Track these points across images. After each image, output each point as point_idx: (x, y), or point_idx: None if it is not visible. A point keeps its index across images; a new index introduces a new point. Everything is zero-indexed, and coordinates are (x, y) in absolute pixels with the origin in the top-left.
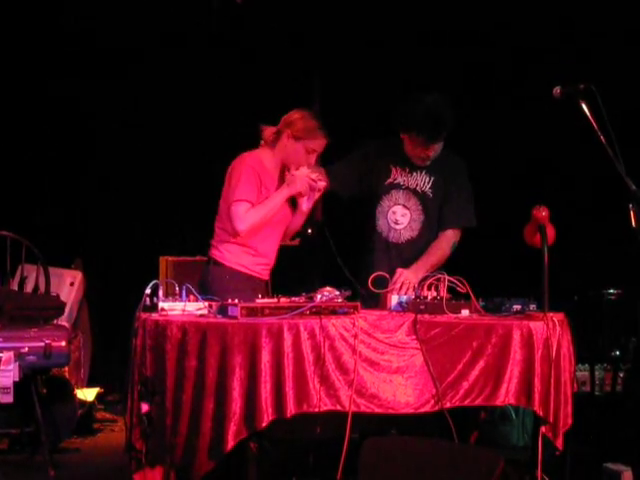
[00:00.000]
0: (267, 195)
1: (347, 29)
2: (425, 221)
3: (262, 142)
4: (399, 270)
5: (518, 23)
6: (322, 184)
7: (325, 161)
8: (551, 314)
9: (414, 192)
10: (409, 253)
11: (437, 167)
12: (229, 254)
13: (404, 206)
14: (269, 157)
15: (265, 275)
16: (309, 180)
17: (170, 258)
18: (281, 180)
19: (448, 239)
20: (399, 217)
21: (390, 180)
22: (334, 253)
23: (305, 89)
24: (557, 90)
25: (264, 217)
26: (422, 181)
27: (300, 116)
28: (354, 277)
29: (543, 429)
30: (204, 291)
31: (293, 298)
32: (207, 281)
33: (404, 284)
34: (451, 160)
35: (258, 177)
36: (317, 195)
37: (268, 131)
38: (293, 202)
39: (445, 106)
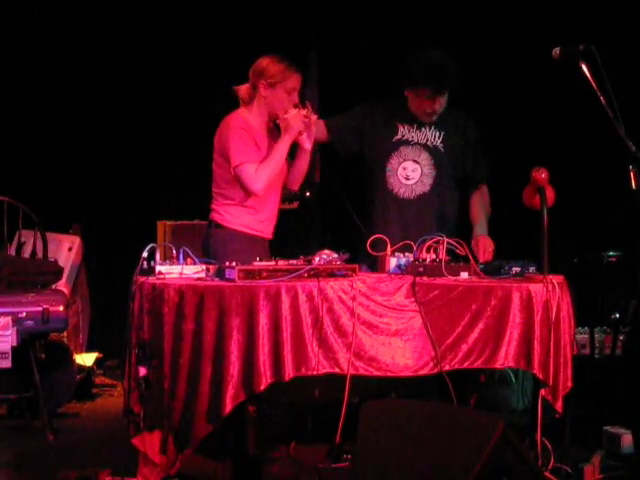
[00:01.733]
0: (261, 152)
1: None
2: (437, 175)
3: (241, 102)
4: (483, 241)
5: None
6: (314, 117)
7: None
8: (550, 276)
9: (425, 147)
10: (421, 208)
11: (445, 122)
12: (230, 216)
13: (414, 161)
14: (252, 114)
15: (268, 233)
16: (302, 117)
17: (168, 222)
18: (269, 133)
19: (486, 192)
20: (410, 172)
21: (398, 137)
22: (344, 201)
23: (302, 56)
24: (556, 51)
25: (274, 170)
26: (432, 136)
27: (268, 62)
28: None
29: (543, 392)
30: (207, 255)
31: (291, 261)
32: (209, 244)
33: (487, 250)
34: (457, 115)
35: (249, 135)
36: (314, 129)
37: (243, 89)
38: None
39: (447, 58)
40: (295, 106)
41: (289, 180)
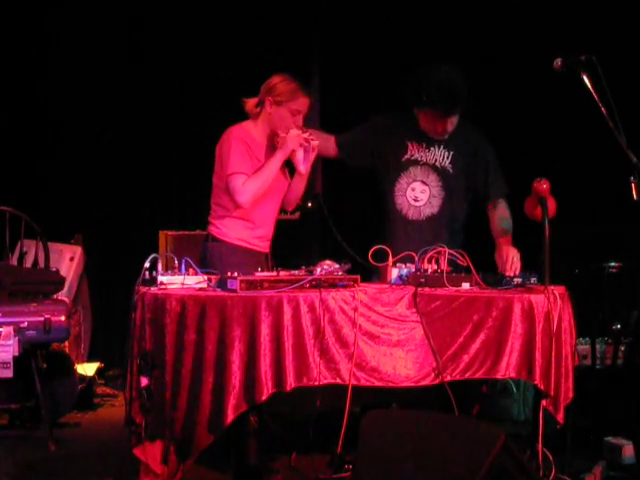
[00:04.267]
0: (259, 166)
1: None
2: (445, 197)
3: (249, 115)
4: (507, 251)
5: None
6: (315, 142)
7: (327, 129)
8: (552, 287)
9: (433, 168)
10: (429, 230)
11: (455, 141)
12: (227, 229)
13: (423, 182)
14: (256, 128)
15: (265, 248)
16: (301, 138)
17: (169, 232)
18: (271, 149)
19: (503, 206)
20: (418, 194)
21: (407, 156)
22: (331, 228)
23: (305, 58)
24: (558, 62)
25: (263, 185)
26: (441, 156)
27: (279, 80)
28: (358, 254)
29: (544, 403)
30: (205, 268)
31: (293, 271)
32: (207, 258)
33: (514, 263)
34: (466, 129)
35: (248, 148)
36: (312, 155)
37: (250, 103)
38: (291, 172)
39: (458, 77)
40: (298, 128)
41: (284, 200)
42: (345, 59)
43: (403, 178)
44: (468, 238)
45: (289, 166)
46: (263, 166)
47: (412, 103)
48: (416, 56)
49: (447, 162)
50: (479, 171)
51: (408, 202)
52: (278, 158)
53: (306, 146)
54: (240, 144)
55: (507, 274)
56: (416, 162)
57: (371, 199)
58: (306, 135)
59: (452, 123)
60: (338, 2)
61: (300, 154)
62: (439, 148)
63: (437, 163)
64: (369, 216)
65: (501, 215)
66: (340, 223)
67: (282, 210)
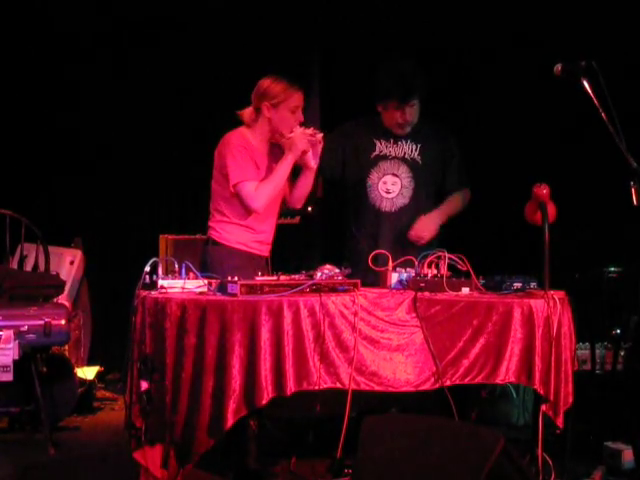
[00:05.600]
0: (260, 172)
1: (347, 4)
2: (416, 188)
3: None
4: (421, 218)
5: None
6: (319, 135)
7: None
8: (552, 292)
9: (403, 160)
10: (402, 220)
11: (420, 134)
12: (227, 233)
13: (393, 174)
14: (253, 134)
15: (265, 252)
16: (307, 136)
17: (170, 236)
18: (271, 154)
19: (457, 196)
20: (390, 186)
21: (376, 153)
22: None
23: (305, 67)
24: (558, 67)
25: (275, 188)
26: (409, 149)
27: (269, 83)
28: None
29: (544, 407)
30: (205, 272)
31: (293, 276)
32: (207, 262)
33: (422, 230)
34: (435, 128)
35: (248, 153)
36: (319, 147)
37: (246, 113)
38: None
39: (412, 66)
40: (300, 124)
41: (292, 198)
42: (345, 61)
43: (373, 173)
44: (468, 242)
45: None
46: (275, 170)
47: (375, 99)
48: (416, 57)
49: (416, 154)
50: (445, 161)
51: (381, 195)
52: (289, 161)
53: (313, 141)
54: (239, 150)
55: (411, 235)
56: (385, 157)
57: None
58: (310, 131)
59: (410, 113)
60: (338, 4)
61: (310, 151)
62: (407, 142)
63: (406, 155)
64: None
65: (455, 197)
66: (339, 228)
67: (282, 214)
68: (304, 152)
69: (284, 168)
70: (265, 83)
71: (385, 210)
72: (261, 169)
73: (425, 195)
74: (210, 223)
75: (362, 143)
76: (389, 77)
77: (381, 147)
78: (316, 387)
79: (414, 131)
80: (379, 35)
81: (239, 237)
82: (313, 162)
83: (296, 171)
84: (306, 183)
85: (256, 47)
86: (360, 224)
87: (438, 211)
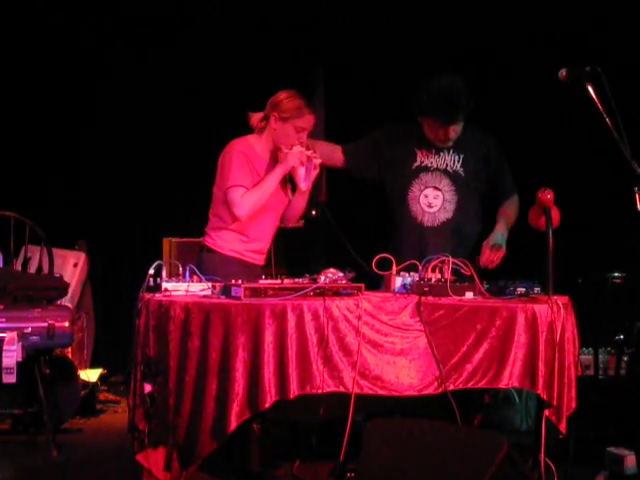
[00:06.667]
0: (258, 180)
1: (352, 13)
2: (459, 201)
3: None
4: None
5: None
6: (317, 161)
7: (332, 140)
8: (555, 297)
9: (445, 172)
10: (444, 235)
11: (463, 144)
12: (221, 241)
13: (435, 188)
14: (259, 142)
15: (260, 260)
16: (303, 156)
17: (174, 239)
18: (273, 164)
19: (512, 206)
20: (432, 200)
21: (417, 164)
22: (339, 236)
23: (309, 74)
24: (563, 72)
25: (260, 199)
26: (451, 160)
27: (285, 96)
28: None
29: (547, 412)
30: None
31: (297, 279)
32: (201, 268)
33: (491, 253)
34: (474, 133)
35: (249, 161)
36: (314, 173)
37: (255, 118)
38: (293, 188)
39: (460, 86)
40: (302, 145)
41: (284, 216)
42: (351, 70)
43: (415, 185)
44: (473, 248)
45: (291, 182)
46: (262, 180)
47: (416, 112)
48: (423, 67)
49: (458, 166)
50: (489, 170)
51: (422, 209)
52: (277, 173)
53: (307, 164)
54: (241, 157)
55: (481, 263)
56: (426, 168)
57: (378, 209)
58: (309, 153)
59: (455, 131)
60: (345, 14)
61: (302, 171)
62: (449, 153)
63: (448, 167)
64: (375, 225)
65: (507, 208)
66: (344, 232)
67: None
68: (293, 169)
69: (271, 180)
70: (282, 95)
71: (427, 225)
72: (262, 177)
73: (469, 207)
74: (206, 229)
75: (402, 152)
76: (435, 95)
77: (422, 158)
78: (319, 391)
79: (456, 141)
80: (386, 43)
81: (233, 245)
82: (304, 184)
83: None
84: (297, 204)
85: (263, 54)
86: (399, 238)
87: (501, 229)
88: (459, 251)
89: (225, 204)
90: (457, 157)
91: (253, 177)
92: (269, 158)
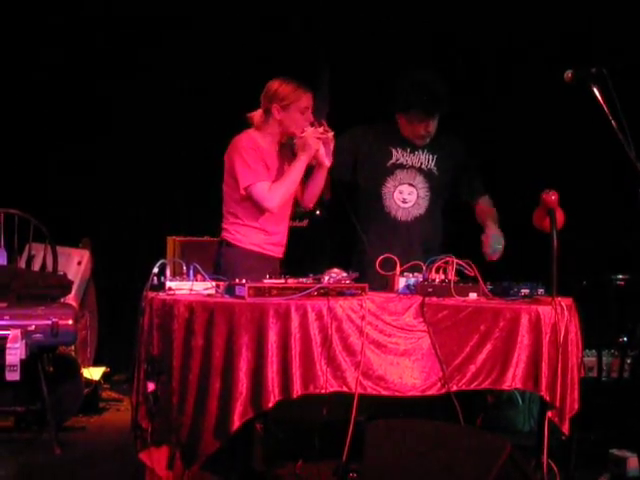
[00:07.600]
0: (271, 173)
1: (355, 11)
2: (432, 198)
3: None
4: (492, 230)
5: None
6: (331, 133)
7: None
8: (559, 299)
9: (419, 170)
10: (417, 230)
11: (437, 145)
12: (241, 235)
13: (410, 184)
14: (262, 135)
15: (279, 253)
16: (319, 135)
17: (177, 238)
18: (282, 155)
19: (489, 205)
20: (406, 196)
21: (392, 161)
22: (352, 221)
23: (313, 71)
24: (568, 74)
25: (289, 189)
26: (426, 159)
27: (278, 85)
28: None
29: (549, 414)
30: (218, 273)
31: (301, 279)
32: (220, 263)
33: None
34: (449, 139)
35: (258, 155)
36: (332, 145)
37: (256, 116)
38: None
39: (439, 80)
40: (311, 124)
41: (304, 198)
42: (353, 67)
43: (389, 182)
44: (476, 248)
45: None
46: (289, 170)
47: (395, 107)
48: (424, 67)
49: (432, 164)
50: (460, 172)
51: (397, 204)
52: (303, 161)
53: (324, 139)
54: (248, 153)
55: (486, 252)
56: (402, 166)
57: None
58: (321, 129)
59: (433, 125)
60: (346, 10)
61: (322, 149)
62: (423, 152)
63: (423, 166)
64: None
65: (488, 207)
66: (346, 231)
67: (291, 217)
68: (317, 152)
69: (298, 168)
70: (274, 85)
71: (401, 219)
72: (271, 170)
73: (439, 205)
74: (224, 225)
75: (377, 150)
76: (414, 88)
77: (398, 155)
78: (323, 391)
79: (431, 141)
80: (388, 40)
81: (253, 239)
82: (327, 160)
83: (306, 172)
84: (319, 181)
85: (265, 50)
86: (372, 232)
87: (492, 223)
88: (430, 245)
89: (238, 202)
90: (431, 157)
91: (264, 170)
92: (275, 149)
